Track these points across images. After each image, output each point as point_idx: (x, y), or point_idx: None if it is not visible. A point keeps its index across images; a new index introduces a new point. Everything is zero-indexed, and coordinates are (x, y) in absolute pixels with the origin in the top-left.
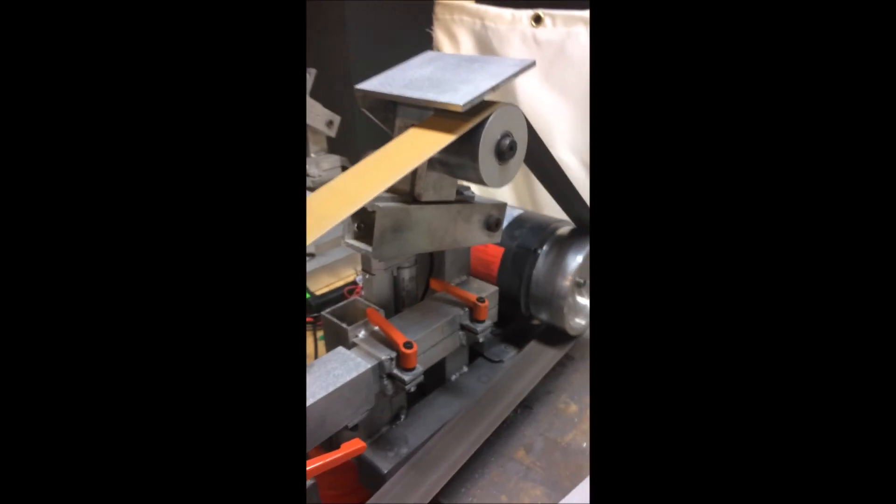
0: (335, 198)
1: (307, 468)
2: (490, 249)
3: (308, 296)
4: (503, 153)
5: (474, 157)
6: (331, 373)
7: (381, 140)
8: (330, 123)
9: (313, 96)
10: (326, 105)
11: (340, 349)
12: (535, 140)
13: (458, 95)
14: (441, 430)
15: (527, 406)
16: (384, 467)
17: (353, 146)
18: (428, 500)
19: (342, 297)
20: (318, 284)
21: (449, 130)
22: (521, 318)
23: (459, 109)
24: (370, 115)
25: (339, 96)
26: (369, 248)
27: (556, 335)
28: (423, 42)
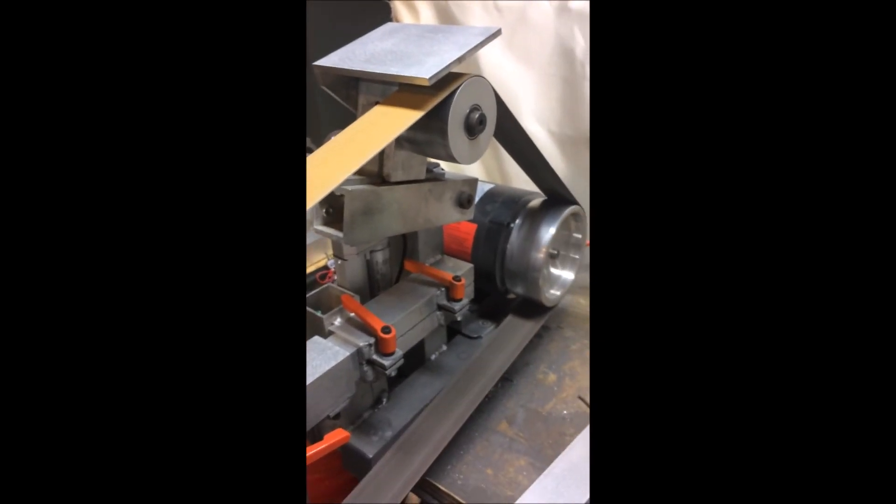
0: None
1: None
2: (462, 226)
3: None
4: (473, 127)
5: (443, 132)
6: (309, 363)
7: (345, 118)
8: None
9: None
10: None
11: (317, 339)
12: (503, 112)
13: (424, 69)
14: (424, 411)
15: (507, 379)
16: (369, 452)
17: (315, 126)
18: (415, 482)
19: (315, 284)
20: None
21: (416, 106)
22: (497, 292)
23: (426, 83)
24: (331, 93)
25: None
26: (340, 234)
27: (532, 307)
28: (381, 14)
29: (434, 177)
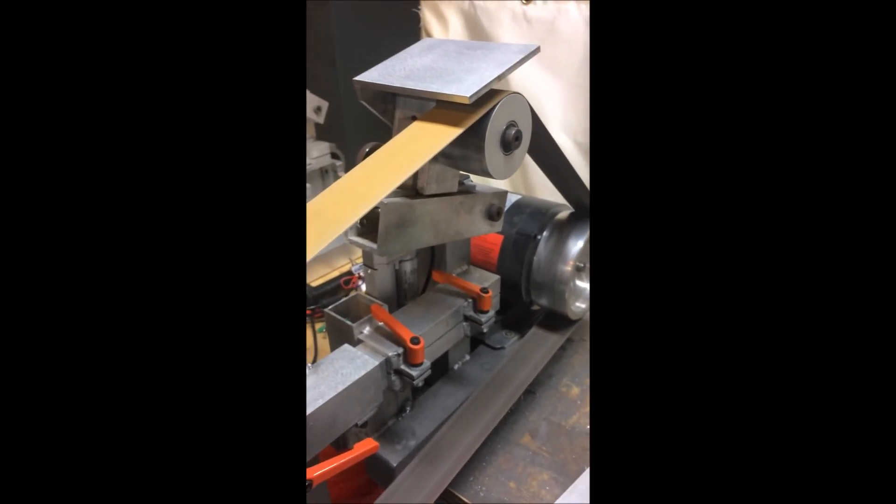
0: (345, 198)
1: (321, 470)
2: (489, 237)
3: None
4: (509, 143)
5: (480, 148)
6: (339, 371)
7: (370, 126)
8: (318, 110)
9: None
10: (312, 90)
11: (346, 347)
12: (538, 127)
13: (464, 87)
14: (448, 421)
15: (530, 391)
16: (393, 460)
17: (340, 132)
18: (440, 492)
19: (339, 288)
20: (314, 275)
21: (455, 123)
22: (522, 303)
23: (466, 101)
24: (369, 107)
25: (324, 80)
26: (374, 245)
27: (556, 320)
28: (409, 22)
29: (465, 189)
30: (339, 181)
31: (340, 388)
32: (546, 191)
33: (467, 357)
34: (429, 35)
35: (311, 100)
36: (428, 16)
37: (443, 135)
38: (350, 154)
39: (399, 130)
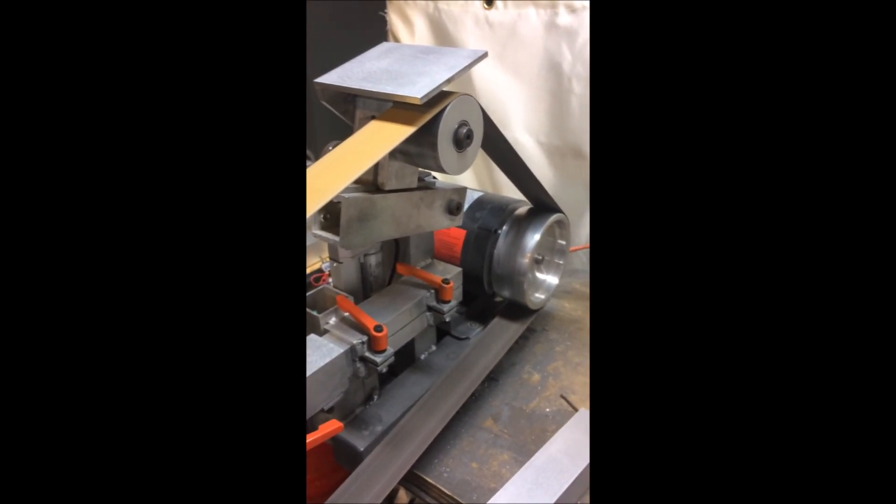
0: (309, 191)
1: None
2: (452, 232)
3: None
4: (461, 141)
5: (433, 146)
6: (306, 359)
7: (341, 130)
8: None
9: None
10: None
11: (313, 336)
12: (490, 126)
13: (416, 88)
14: (413, 407)
15: (493, 378)
16: (360, 445)
17: (310, 133)
18: (403, 474)
19: (310, 286)
20: None
21: (409, 122)
22: (485, 295)
23: (418, 102)
24: (330, 108)
25: None
26: (337, 238)
27: (517, 310)
28: (376, 25)
29: (425, 185)
30: (320, 161)
31: (307, 375)
32: (510, 189)
33: (433, 347)
34: (395, 37)
35: None
36: (394, 19)
37: (397, 132)
38: (320, 155)
39: (360, 128)
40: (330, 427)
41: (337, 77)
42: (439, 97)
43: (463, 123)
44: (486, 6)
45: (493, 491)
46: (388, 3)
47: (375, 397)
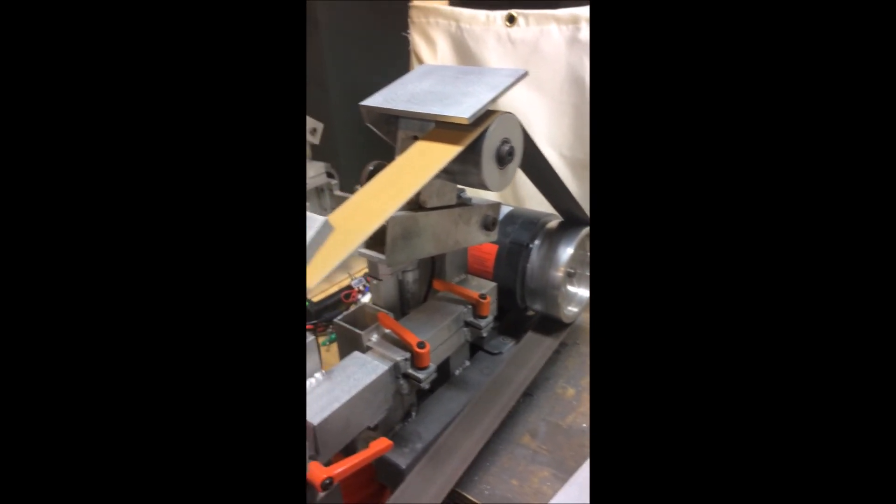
0: (361, 213)
1: (340, 468)
2: (484, 247)
3: (307, 303)
4: (503, 158)
5: (477, 164)
6: (351, 377)
7: (363, 147)
8: (314, 131)
9: None
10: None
11: (357, 354)
12: (529, 143)
13: (463, 108)
14: (451, 424)
15: (528, 393)
16: (402, 463)
17: (334, 153)
18: (447, 492)
19: (339, 302)
20: (314, 291)
21: (455, 142)
22: (517, 309)
23: (466, 122)
24: (373, 129)
25: (315, 103)
26: (382, 256)
27: (550, 324)
28: (398, 45)
29: (462, 202)
30: (352, 198)
31: (354, 392)
32: (534, 202)
33: (467, 363)
34: (418, 57)
35: (308, 122)
36: (417, 39)
37: (445, 152)
38: (344, 173)
39: (402, 149)
40: (380, 445)
41: (382, 99)
42: (483, 116)
43: (505, 141)
44: (507, 24)
45: None
46: (410, 23)
47: (413, 414)
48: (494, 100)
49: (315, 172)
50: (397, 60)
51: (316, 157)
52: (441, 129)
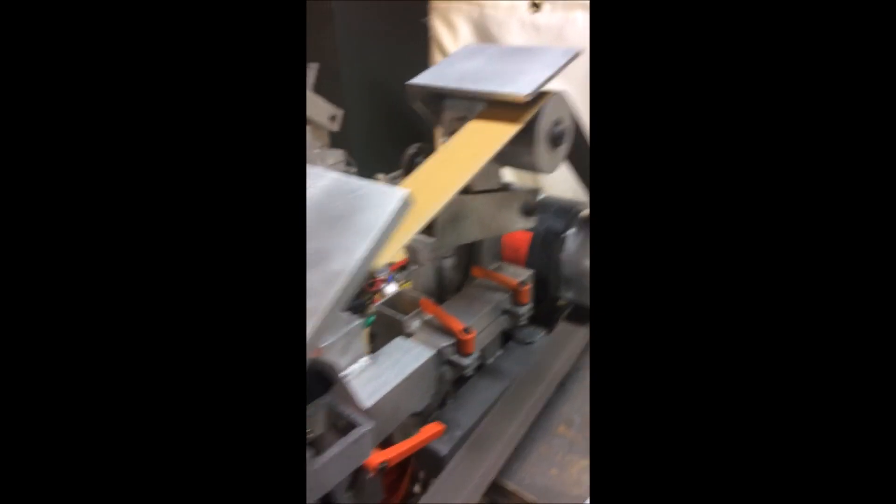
0: (424, 192)
1: (395, 452)
2: (517, 235)
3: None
4: (556, 139)
5: (529, 144)
6: (398, 362)
7: (374, 135)
8: (333, 118)
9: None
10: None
11: (401, 339)
12: (576, 124)
13: (520, 86)
14: (490, 412)
15: (560, 384)
16: (443, 450)
17: (347, 141)
18: (491, 479)
19: (365, 291)
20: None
21: (511, 121)
22: (547, 299)
23: (522, 100)
24: (418, 109)
25: (330, 90)
26: (432, 240)
27: (583, 314)
28: (416, 32)
29: (505, 186)
30: (411, 177)
31: (402, 377)
32: (556, 190)
33: (499, 352)
34: (438, 43)
35: (327, 109)
36: (438, 24)
37: (503, 131)
38: (360, 160)
39: (449, 129)
40: (433, 430)
41: (431, 77)
42: (537, 95)
43: (558, 121)
44: (532, 10)
45: (577, 498)
46: (430, 8)
47: (448, 402)
48: (550, 78)
49: (334, 160)
50: (417, 48)
51: (334, 145)
52: (494, 108)
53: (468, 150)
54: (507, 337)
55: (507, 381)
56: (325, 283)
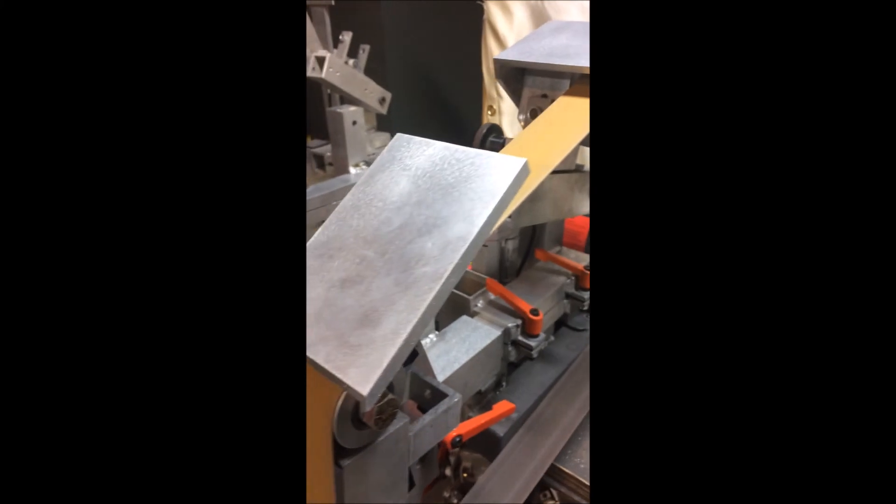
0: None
1: (468, 428)
2: (577, 220)
3: None
4: None
5: None
6: (466, 340)
7: (417, 119)
8: (382, 100)
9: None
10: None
11: (467, 318)
12: None
13: None
14: (547, 396)
15: None
16: (500, 431)
17: (390, 124)
18: (550, 462)
19: None
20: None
21: None
22: None
23: None
24: (501, 85)
25: (373, 72)
26: (509, 219)
27: None
28: (469, 15)
29: (578, 168)
30: (510, 144)
31: (471, 355)
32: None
33: (552, 338)
34: (493, 27)
35: (376, 90)
36: (492, 8)
37: None
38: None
39: (529, 107)
40: (504, 408)
41: (517, 53)
42: None
43: None
44: None
45: None
46: None
47: (504, 384)
48: None
49: (381, 143)
50: (470, 32)
51: (379, 128)
52: (586, 84)
53: (562, 125)
54: (558, 323)
55: (562, 367)
56: (443, 249)
